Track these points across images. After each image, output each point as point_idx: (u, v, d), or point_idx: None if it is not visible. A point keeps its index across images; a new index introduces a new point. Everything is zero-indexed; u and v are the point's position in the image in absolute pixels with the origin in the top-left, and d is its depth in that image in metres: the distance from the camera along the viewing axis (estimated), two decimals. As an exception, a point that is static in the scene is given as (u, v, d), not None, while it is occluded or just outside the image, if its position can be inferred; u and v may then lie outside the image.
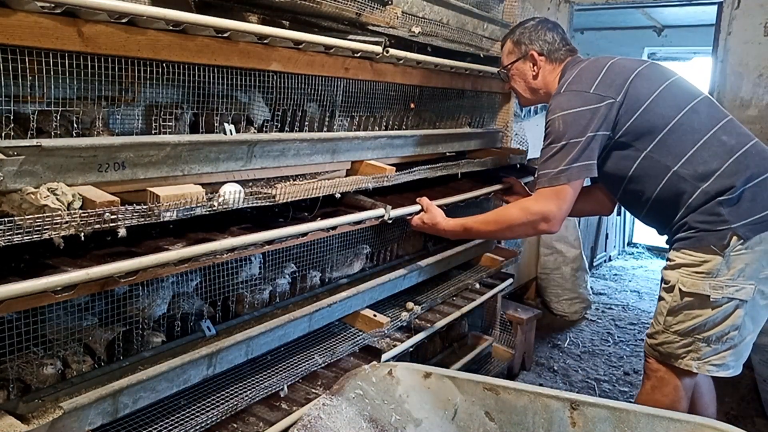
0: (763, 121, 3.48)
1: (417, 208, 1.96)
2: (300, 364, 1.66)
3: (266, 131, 1.54)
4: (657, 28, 6.29)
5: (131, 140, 1.16)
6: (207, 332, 1.43)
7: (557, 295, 4.08)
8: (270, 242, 1.43)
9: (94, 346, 1.26)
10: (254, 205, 1.34)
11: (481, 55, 2.38)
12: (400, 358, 1.99)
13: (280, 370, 1.62)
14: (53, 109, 1.12)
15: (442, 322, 2.24)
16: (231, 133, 1.37)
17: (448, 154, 2.35)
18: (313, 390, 1.66)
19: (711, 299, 1.69)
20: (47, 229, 0.96)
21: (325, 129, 1.76)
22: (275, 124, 1.57)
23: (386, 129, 2.00)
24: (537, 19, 2.05)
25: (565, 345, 3.64)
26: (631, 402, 1.63)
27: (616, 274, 5.32)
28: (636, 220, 4.54)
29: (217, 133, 1.39)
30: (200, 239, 1.33)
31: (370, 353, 1.88)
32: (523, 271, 4.06)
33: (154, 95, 1.32)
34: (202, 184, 1.23)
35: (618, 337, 3.82)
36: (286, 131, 1.61)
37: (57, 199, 0.99)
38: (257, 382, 1.54)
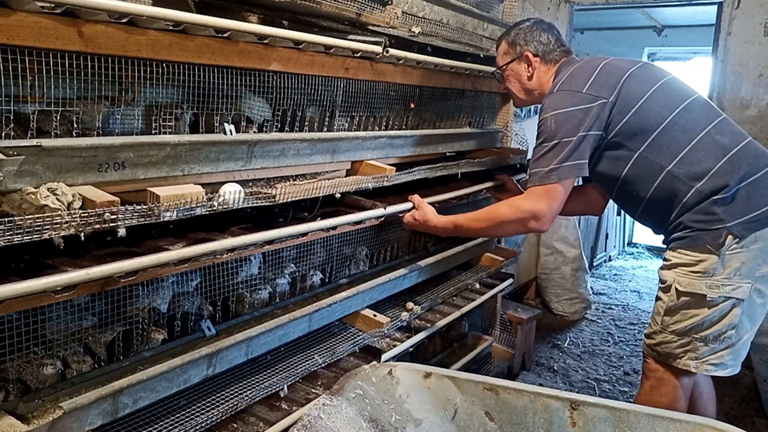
0: (762, 121, 3.48)
1: (409, 205, 1.96)
2: (300, 364, 1.66)
3: (266, 131, 1.54)
4: (657, 28, 6.29)
5: (131, 140, 1.16)
6: (207, 332, 1.43)
7: (557, 295, 4.08)
8: (270, 242, 1.43)
9: (94, 346, 1.26)
10: (254, 205, 1.34)
11: (481, 55, 2.38)
12: (400, 358, 1.99)
13: (280, 370, 1.62)
14: (53, 109, 1.11)
15: (442, 322, 2.24)
16: (231, 133, 1.37)
17: (448, 154, 2.35)
18: (313, 390, 1.66)
19: (708, 298, 1.69)
20: (47, 229, 0.96)
21: (325, 129, 1.76)
22: (275, 124, 1.58)
23: (386, 129, 2.00)
24: (532, 20, 2.06)
25: (565, 345, 3.64)
26: (631, 402, 1.63)
27: (616, 274, 5.32)
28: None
29: (217, 133, 1.39)
30: (200, 239, 1.33)
31: (370, 353, 1.88)
32: (523, 271, 4.06)
33: (154, 95, 1.32)
34: (202, 184, 1.23)
35: (618, 337, 3.82)
36: (287, 131, 1.61)
37: (57, 199, 0.99)
38: (257, 382, 1.54)
